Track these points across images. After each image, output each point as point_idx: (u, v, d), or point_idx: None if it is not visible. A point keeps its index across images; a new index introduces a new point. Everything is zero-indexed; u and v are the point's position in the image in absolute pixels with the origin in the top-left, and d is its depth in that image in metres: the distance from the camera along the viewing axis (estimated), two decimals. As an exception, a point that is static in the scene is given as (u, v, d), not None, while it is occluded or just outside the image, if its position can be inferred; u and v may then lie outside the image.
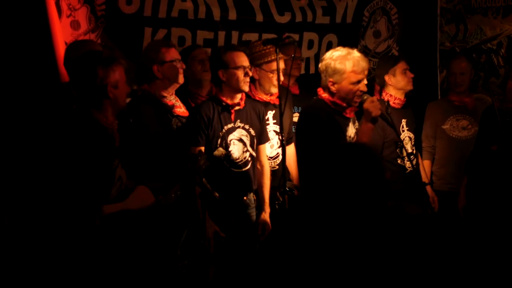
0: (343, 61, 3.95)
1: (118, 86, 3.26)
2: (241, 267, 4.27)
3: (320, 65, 4.08)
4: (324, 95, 4.05)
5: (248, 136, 4.26)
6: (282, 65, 4.37)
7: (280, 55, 4.26)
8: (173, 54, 4.10)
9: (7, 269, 3.54)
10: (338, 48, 4.10)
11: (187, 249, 4.16)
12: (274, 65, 4.38)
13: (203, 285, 4.19)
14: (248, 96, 4.48)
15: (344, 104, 4.02)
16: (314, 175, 3.40)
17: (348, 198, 2.38)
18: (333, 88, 3.99)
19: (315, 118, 3.97)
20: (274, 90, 4.44)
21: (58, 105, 3.87)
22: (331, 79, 3.98)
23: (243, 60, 4.16)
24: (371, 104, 3.95)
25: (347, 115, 4.13)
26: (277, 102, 4.40)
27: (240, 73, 4.12)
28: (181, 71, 4.12)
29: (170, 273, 4.00)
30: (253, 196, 4.34)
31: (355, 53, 4.00)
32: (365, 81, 4.01)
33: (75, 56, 3.90)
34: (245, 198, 4.28)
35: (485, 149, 4.82)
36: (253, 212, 4.34)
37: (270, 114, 4.54)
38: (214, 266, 4.22)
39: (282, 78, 4.24)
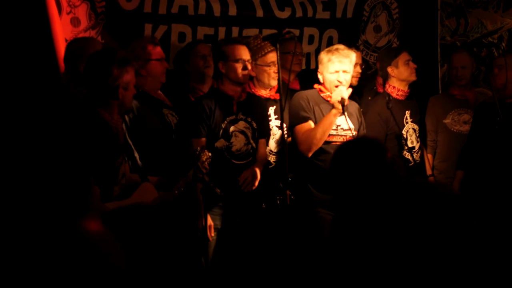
0: (327, 52, 4.35)
1: (128, 88, 3.27)
2: (242, 260, 4.29)
3: None
4: (317, 85, 4.45)
5: (250, 128, 4.28)
6: (274, 58, 4.43)
7: (271, 48, 4.42)
8: (158, 53, 4.13)
9: (9, 268, 3.54)
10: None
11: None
12: (268, 58, 4.47)
13: (203, 279, 4.20)
14: (247, 93, 4.50)
15: (328, 93, 4.36)
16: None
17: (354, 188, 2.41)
18: (320, 77, 4.41)
19: (295, 98, 4.41)
20: (274, 82, 4.51)
21: (59, 102, 3.87)
22: (319, 69, 4.41)
23: (243, 53, 4.19)
24: (335, 92, 4.28)
25: None
26: (277, 97, 4.47)
27: (238, 66, 4.16)
28: (164, 70, 4.15)
29: (171, 269, 4.00)
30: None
31: (341, 47, 4.36)
32: (346, 74, 4.30)
33: (76, 53, 3.91)
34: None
35: (478, 144, 4.83)
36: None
37: (271, 109, 4.56)
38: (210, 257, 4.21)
39: (276, 70, 4.30)
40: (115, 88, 3.19)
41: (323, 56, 4.36)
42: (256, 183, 4.22)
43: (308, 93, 4.43)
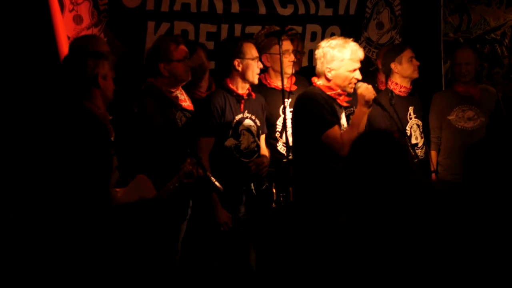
0: (342, 49, 4.08)
1: (107, 78, 3.33)
2: (244, 257, 4.31)
3: (316, 52, 4.16)
4: (319, 82, 4.14)
5: (255, 126, 4.30)
6: (289, 46, 4.49)
7: (285, 37, 4.41)
8: (181, 52, 4.11)
9: (12, 263, 3.56)
10: (333, 37, 4.25)
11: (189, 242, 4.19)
12: (283, 46, 4.38)
13: (208, 276, 4.21)
14: (263, 85, 4.57)
15: (339, 90, 4.13)
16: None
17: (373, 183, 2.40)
18: (329, 75, 4.09)
19: (314, 101, 4.06)
20: (289, 70, 4.42)
21: (59, 99, 3.89)
22: (328, 66, 4.08)
23: (257, 52, 4.26)
24: (365, 90, 4.07)
25: (341, 103, 4.22)
26: (293, 89, 4.54)
27: (255, 64, 4.20)
28: (188, 69, 4.13)
29: (172, 266, 4.02)
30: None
31: (352, 42, 4.14)
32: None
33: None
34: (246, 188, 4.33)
35: (491, 139, 4.81)
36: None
37: (286, 102, 4.56)
38: (218, 257, 4.24)
39: (293, 58, 4.46)
40: (94, 76, 3.28)
41: (340, 53, 4.08)
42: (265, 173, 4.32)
43: (317, 92, 4.13)
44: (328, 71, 4.09)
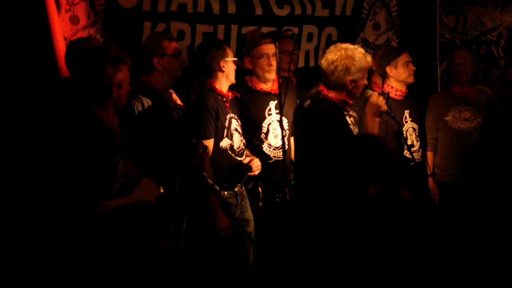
0: (360, 59, 3.79)
1: (122, 87, 3.25)
2: (242, 258, 4.32)
3: (334, 65, 3.81)
4: (332, 94, 3.85)
5: (239, 125, 4.34)
6: (267, 50, 4.39)
7: (264, 40, 4.39)
8: (174, 47, 4.14)
9: (6, 265, 3.54)
10: (339, 45, 3.89)
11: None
12: (261, 50, 4.41)
13: (207, 280, 4.22)
14: (249, 87, 4.55)
15: (352, 102, 3.94)
16: (327, 168, 3.41)
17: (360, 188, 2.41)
18: (350, 86, 3.82)
19: (334, 121, 3.83)
20: (269, 75, 4.44)
21: (57, 101, 3.87)
22: (351, 78, 3.79)
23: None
24: (378, 99, 3.90)
25: (347, 110, 4.16)
26: (273, 92, 4.51)
27: (234, 66, 4.30)
28: (180, 64, 4.15)
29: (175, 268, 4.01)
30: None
31: (360, 48, 3.87)
32: None
33: (77, 53, 3.89)
34: (239, 189, 4.34)
35: (488, 141, 4.82)
36: (247, 203, 4.42)
37: (272, 104, 4.55)
38: (218, 261, 4.25)
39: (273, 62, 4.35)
40: (108, 87, 3.18)
41: (360, 63, 3.80)
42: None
43: (331, 108, 3.85)
44: (350, 84, 3.81)
